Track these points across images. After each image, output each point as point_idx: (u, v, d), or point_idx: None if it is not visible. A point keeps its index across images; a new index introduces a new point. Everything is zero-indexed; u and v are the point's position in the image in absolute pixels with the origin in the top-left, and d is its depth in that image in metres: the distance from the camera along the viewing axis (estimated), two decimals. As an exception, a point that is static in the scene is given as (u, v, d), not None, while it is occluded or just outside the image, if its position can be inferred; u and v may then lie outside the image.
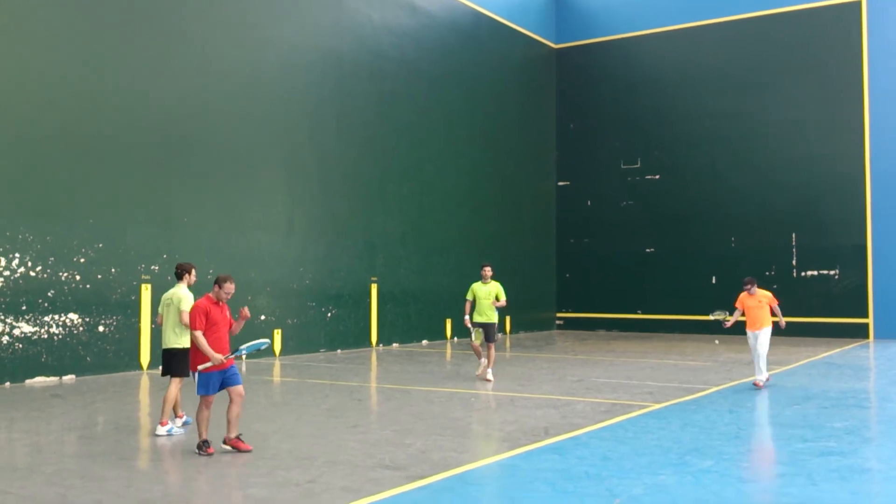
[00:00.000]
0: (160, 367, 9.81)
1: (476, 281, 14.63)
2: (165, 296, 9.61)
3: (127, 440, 8.95)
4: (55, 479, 7.14)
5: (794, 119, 25.55)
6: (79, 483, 7.05)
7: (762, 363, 13.18)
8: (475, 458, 7.96)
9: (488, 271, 14.29)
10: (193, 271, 9.74)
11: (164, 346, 9.49)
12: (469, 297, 14.55)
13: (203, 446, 8.13)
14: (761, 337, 13.21)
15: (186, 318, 9.09)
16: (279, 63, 18.89)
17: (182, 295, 9.41)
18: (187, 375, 9.07)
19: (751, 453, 8.17)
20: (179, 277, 9.66)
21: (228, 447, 8.25)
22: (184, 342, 9.22)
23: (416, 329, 22.57)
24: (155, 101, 16.16)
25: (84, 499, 6.56)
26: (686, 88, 27.32)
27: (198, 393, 8.28)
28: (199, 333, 8.16)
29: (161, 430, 9.13)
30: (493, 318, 14.27)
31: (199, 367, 8.21)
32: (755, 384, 13.19)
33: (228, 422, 8.23)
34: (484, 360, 14.30)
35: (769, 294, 13.61)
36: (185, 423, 9.58)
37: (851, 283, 24.52)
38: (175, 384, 9.31)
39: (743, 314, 13.61)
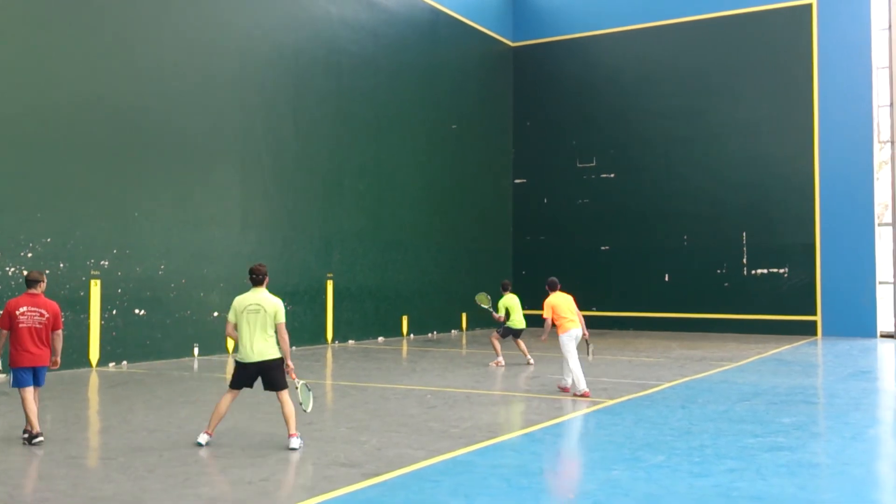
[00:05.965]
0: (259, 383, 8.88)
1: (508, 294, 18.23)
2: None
3: (75, 438, 8.80)
4: (2, 478, 6.98)
5: (746, 119, 25.95)
6: (26, 482, 6.91)
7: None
8: (431, 455, 7.96)
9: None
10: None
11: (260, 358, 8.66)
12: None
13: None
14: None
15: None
16: (235, 56, 18.67)
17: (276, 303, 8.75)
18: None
19: (702, 448, 8.28)
20: (260, 283, 8.93)
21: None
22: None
23: (372, 326, 22.49)
24: (107, 92, 15.86)
25: (31, 498, 6.43)
26: (641, 88, 27.59)
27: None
28: None
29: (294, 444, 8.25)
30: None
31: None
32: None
33: None
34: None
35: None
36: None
37: (800, 281, 24.98)
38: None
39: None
